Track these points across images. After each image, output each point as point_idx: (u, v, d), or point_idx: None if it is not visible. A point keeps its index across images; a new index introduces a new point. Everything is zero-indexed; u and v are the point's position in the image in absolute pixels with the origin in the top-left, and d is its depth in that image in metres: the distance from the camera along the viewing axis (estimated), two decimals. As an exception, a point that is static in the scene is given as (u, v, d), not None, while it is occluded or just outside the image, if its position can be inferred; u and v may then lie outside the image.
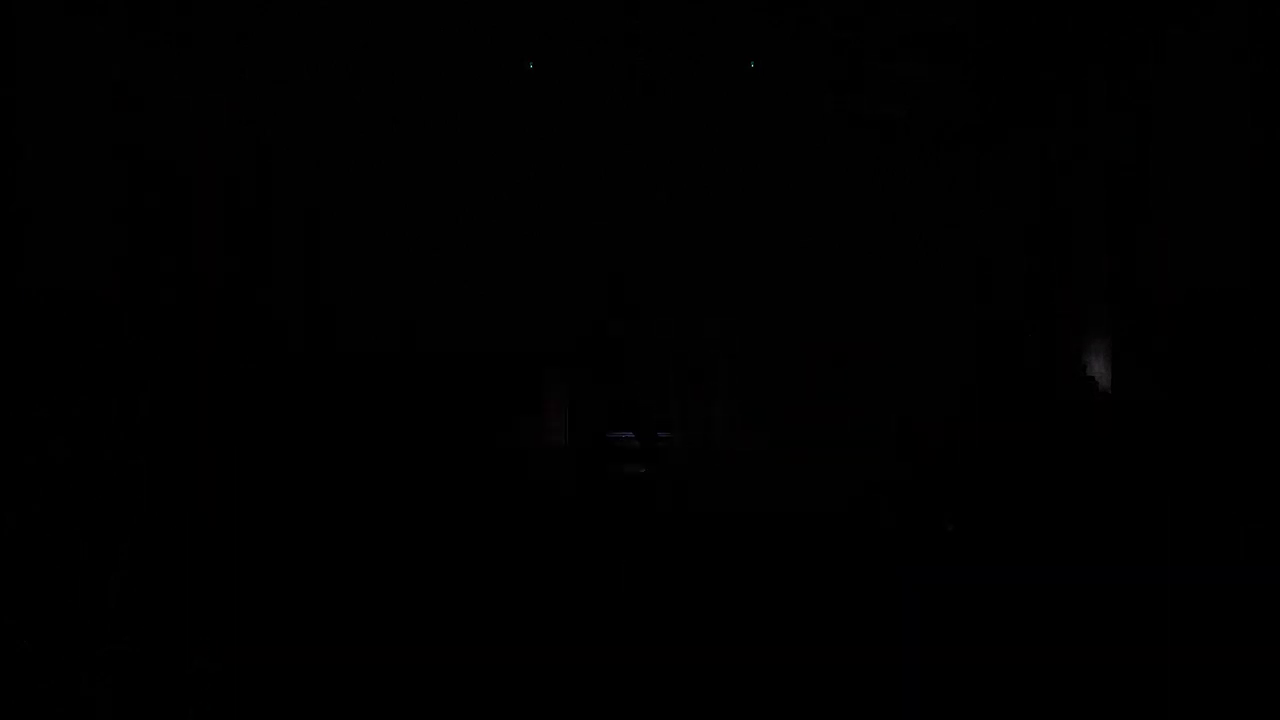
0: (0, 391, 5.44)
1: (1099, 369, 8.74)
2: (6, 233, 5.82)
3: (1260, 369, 7.60)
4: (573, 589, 5.88)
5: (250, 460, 7.24)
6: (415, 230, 9.50)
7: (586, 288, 9.72)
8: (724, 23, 8.83)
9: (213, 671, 4.60)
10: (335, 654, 4.84)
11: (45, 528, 5.24)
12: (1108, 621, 5.33)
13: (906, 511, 7.13)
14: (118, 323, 6.57)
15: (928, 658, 4.82)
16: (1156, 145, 8.28)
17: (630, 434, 9.05)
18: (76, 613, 4.94)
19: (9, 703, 4.28)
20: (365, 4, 8.93)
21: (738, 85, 9.48)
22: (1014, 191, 9.52)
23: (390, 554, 6.39)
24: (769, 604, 5.64)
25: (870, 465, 8.22)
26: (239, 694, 4.50)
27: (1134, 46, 8.36)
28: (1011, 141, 9.49)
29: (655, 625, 5.41)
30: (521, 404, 9.20)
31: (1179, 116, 8.09)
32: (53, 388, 5.75)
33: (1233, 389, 7.76)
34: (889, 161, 9.69)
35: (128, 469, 5.99)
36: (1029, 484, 7.48)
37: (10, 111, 7.36)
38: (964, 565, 6.18)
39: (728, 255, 9.79)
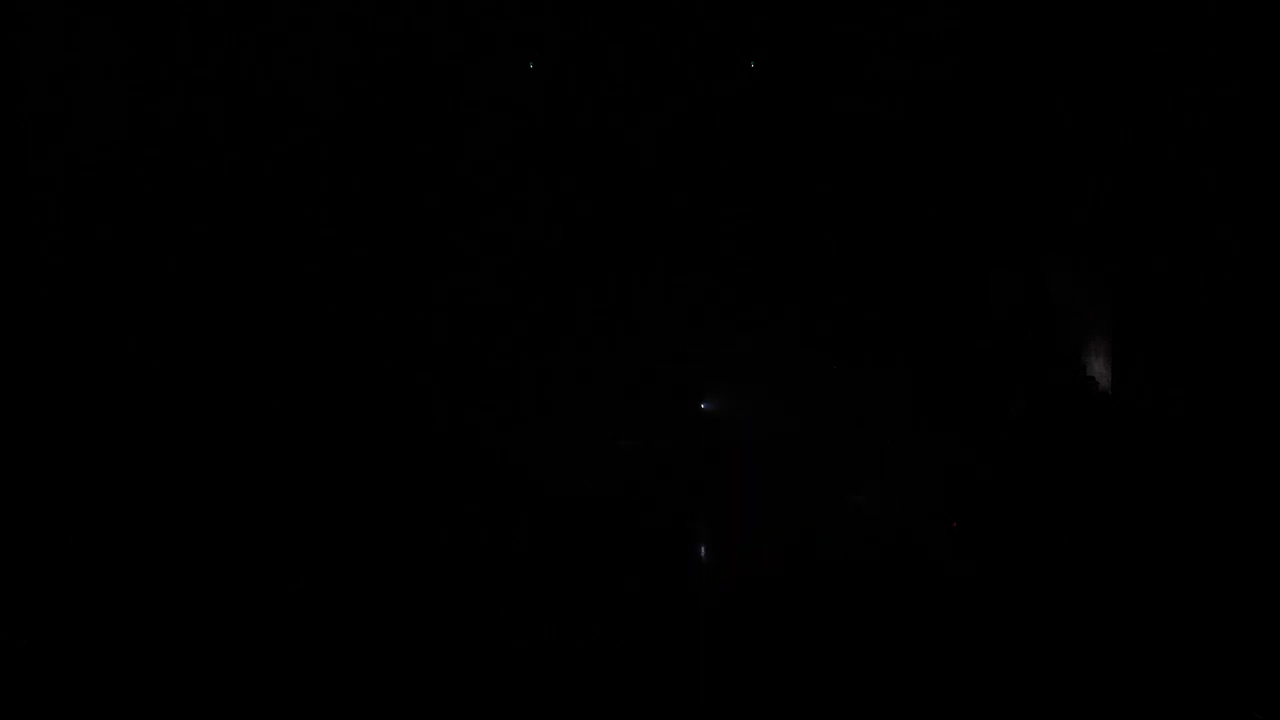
0: None
1: (1099, 369, 8.74)
2: None
3: (1260, 369, 7.61)
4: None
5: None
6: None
7: (586, 286, 9.68)
8: (723, 22, 8.85)
9: None
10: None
11: None
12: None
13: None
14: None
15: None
16: (1158, 144, 8.29)
17: (627, 436, 8.95)
18: None
19: None
20: (365, 4, 8.94)
21: (737, 85, 9.48)
22: (1014, 190, 9.49)
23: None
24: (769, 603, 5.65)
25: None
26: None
27: (1133, 45, 8.37)
28: (1011, 141, 9.45)
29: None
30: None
31: (1180, 115, 8.10)
32: None
33: (1232, 389, 7.77)
34: (888, 161, 9.64)
35: None
36: (1029, 483, 7.50)
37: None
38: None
39: (725, 254, 9.76)
